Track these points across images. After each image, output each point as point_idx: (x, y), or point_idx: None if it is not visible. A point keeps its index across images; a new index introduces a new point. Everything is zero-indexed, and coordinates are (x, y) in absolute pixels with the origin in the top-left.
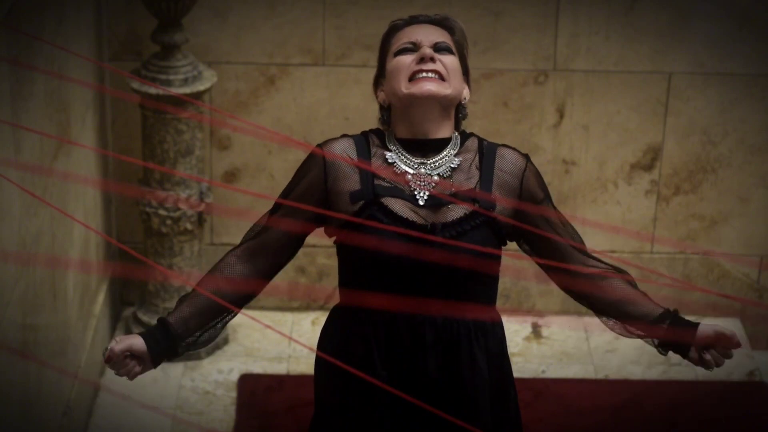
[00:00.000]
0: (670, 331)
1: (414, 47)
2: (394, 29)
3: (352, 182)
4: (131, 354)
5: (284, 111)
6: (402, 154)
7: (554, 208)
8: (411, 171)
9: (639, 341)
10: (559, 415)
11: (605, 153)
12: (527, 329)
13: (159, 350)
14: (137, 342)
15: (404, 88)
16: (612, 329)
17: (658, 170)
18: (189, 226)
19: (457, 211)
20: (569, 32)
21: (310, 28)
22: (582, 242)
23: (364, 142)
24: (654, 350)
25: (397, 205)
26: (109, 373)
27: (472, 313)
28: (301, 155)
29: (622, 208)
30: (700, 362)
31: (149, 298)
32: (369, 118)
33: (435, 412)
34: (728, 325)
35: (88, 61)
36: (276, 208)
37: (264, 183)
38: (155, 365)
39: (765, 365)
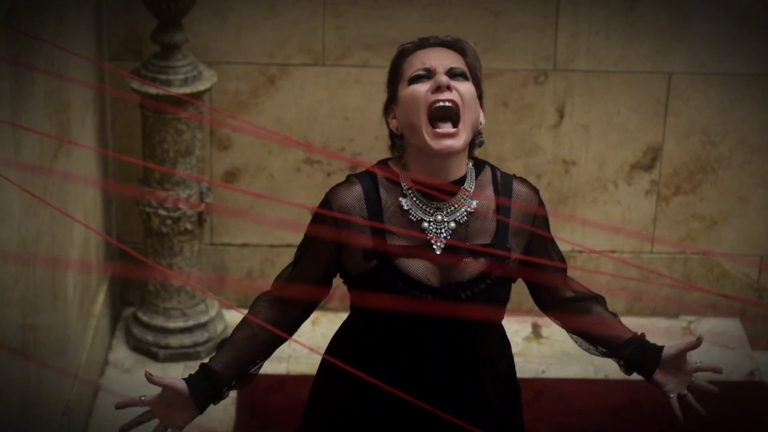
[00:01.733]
0: (635, 352)
1: (428, 74)
2: (404, 54)
3: (364, 238)
4: (166, 399)
5: (284, 111)
6: (417, 199)
7: (552, 238)
8: (427, 219)
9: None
10: (559, 415)
11: (605, 153)
12: (527, 329)
13: (202, 393)
14: (179, 383)
15: (428, 137)
16: (580, 346)
17: (658, 170)
18: (189, 226)
19: (473, 266)
20: (569, 32)
21: (310, 28)
22: (565, 269)
23: (373, 188)
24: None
25: (412, 266)
26: (109, 372)
27: (483, 352)
28: (301, 155)
29: (622, 208)
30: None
31: (149, 298)
32: (369, 119)
33: (436, 412)
34: (728, 325)
35: (88, 61)
36: (297, 261)
37: (264, 183)
38: (200, 408)
39: (765, 365)
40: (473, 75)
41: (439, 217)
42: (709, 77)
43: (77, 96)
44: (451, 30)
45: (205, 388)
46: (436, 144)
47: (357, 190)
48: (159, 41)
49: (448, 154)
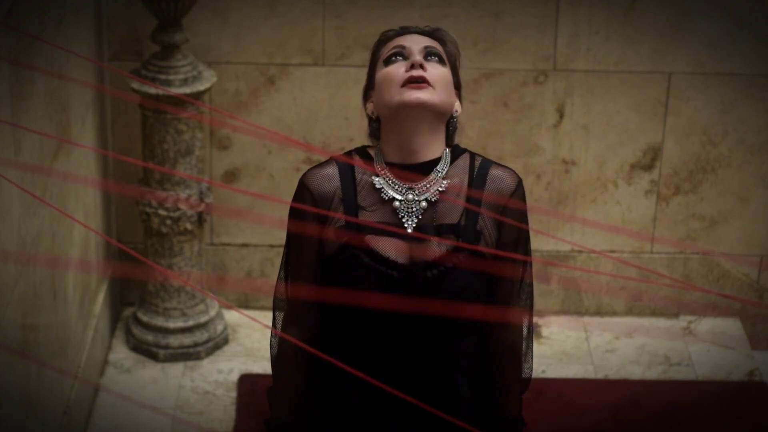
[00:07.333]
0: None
1: (403, 53)
2: (384, 39)
3: (337, 216)
4: None
5: (284, 111)
6: (390, 179)
7: (527, 243)
8: (399, 197)
9: (639, 341)
10: (559, 415)
11: (605, 153)
12: None
13: None
14: None
15: (399, 95)
16: None
17: (658, 170)
18: (189, 226)
19: (440, 246)
20: (569, 32)
21: (310, 28)
22: (530, 295)
23: (348, 168)
24: (653, 350)
25: (381, 243)
26: (109, 372)
27: (458, 344)
28: (301, 155)
29: (622, 208)
30: None
31: (149, 298)
32: None
33: (415, 403)
34: (728, 325)
35: (88, 61)
36: (289, 259)
37: (264, 183)
38: None
39: (765, 365)
40: (452, 64)
41: (411, 197)
42: (709, 77)
43: (77, 96)
44: (451, 30)
45: None
46: (407, 96)
47: (331, 170)
48: (159, 41)
49: (418, 106)
